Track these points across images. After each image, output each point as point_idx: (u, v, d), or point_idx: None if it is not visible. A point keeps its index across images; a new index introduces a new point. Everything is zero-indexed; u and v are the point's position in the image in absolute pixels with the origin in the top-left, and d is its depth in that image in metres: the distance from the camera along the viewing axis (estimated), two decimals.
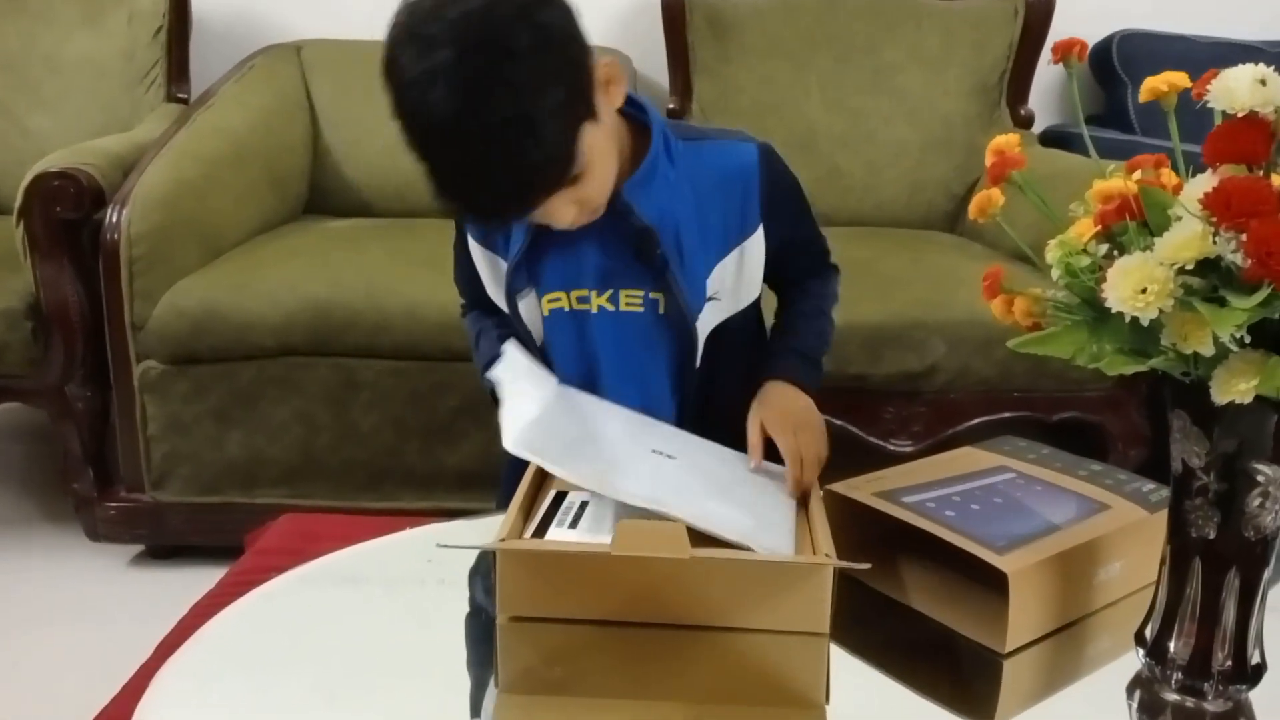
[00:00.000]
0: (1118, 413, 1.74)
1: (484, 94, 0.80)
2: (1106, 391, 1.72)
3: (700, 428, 0.99)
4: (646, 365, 1.05)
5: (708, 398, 1.07)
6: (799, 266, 1.12)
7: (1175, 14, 2.33)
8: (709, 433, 0.98)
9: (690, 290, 1.00)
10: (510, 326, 1.08)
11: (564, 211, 0.91)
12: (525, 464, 0.85)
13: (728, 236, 1.03)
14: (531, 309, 1.04)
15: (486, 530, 0.76)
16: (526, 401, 0.93)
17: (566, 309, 1.03)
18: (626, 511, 0.88)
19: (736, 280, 1.04)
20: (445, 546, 0.76)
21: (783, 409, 0.96)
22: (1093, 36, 2.31)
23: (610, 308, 1.02)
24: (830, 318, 1.14)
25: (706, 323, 1.04)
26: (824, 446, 0.93)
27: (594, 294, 1.02)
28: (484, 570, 0.89)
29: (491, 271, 1.06)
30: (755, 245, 1.03)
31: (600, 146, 0.90)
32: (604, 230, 0.98)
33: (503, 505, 0.83)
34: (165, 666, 0.80)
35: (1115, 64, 2.28)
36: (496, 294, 1.06)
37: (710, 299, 1.03)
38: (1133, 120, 2.23)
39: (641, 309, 1.02)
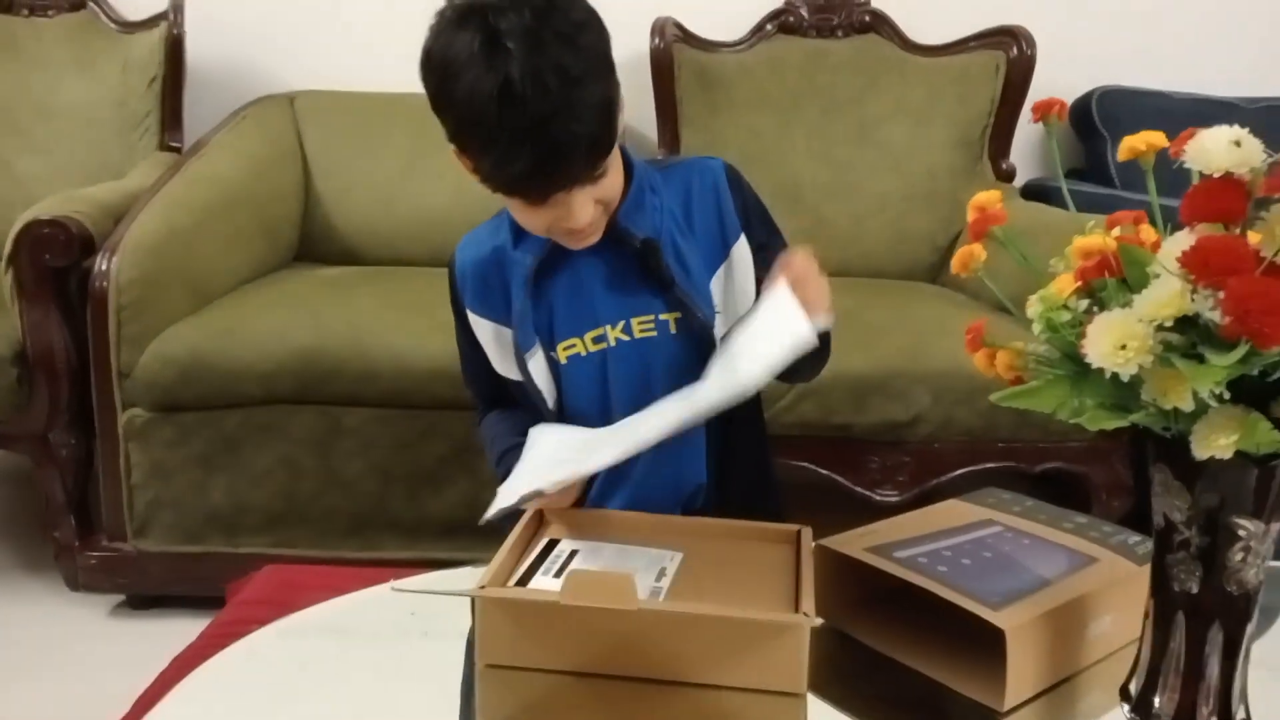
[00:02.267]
0: (1101, 464, 1.75)
1: (558, 50, 0.85)
2: (1090, 442, 1.73)
3: (722, 440, 1.06)
4: (667, 387, 1.04)
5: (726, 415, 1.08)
6: None
7: (1154, 70, 2.38)
8: (731, 445, 1.04)
9: (702, 300, 1.03)
10: (525, 422, 1.08)
11: (585, 209, 0.93)
12: None
13: (714, 248, 1.06)
14: (542, 367, 1.04)
15: (471, 582, 0.76)
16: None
17: (583, 353, 1.05)
18: (615, 557, 0.88)
19: (728, 291, 1.06)
20: (400, 589, 0.75)
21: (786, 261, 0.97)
22: (1073, 92, 2.35)
23: (625, 338, 1.04)
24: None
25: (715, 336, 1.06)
26: (824, 293, 0.94)
27: (608, 328, 1.04)
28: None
29: (498, 343, 1.07)
30: (741, 252, 1.06)
31: (615, 152, 0.95)
32: (607, 262, 1.03)
33: None
34: None
35: (1095, 119, 2.32)
36: (504, 365, 1.07)
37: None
38: (1113, 174, 2.26)
39: (655, 333, 1.04)
